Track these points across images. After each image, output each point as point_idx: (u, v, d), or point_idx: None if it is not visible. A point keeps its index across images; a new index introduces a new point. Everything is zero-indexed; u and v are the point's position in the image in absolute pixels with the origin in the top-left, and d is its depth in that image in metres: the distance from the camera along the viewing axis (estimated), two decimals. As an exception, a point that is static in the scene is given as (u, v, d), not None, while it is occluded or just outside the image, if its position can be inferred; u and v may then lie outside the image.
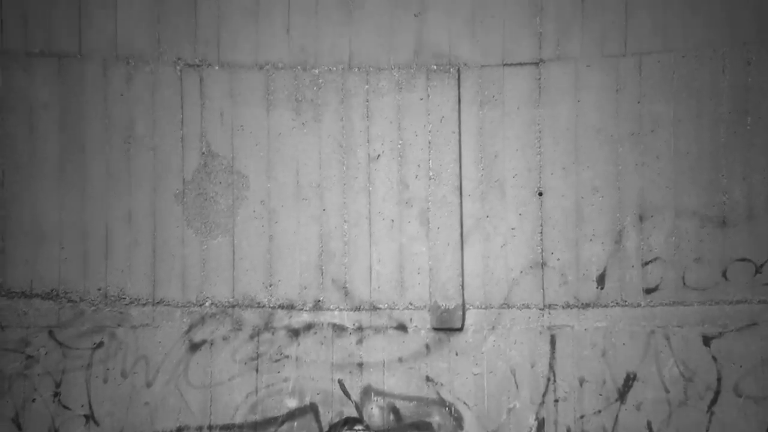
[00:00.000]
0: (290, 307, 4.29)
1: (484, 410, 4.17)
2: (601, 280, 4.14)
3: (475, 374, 4.19)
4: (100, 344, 4.19)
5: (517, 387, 4.16)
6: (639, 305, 4.09)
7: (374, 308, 4.28)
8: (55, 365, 4.15)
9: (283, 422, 4.23)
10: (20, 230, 4.18)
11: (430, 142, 4.31)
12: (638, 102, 4.12)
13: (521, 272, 4.22)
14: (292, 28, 4.34)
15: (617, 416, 4.06)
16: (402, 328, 4.27)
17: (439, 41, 4.31)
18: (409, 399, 4.22)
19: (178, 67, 4.31)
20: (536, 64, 4.23)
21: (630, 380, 4.06)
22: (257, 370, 4.24)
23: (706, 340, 4.00)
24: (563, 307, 4.16)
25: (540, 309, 4.18)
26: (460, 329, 4.23)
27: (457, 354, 4.21)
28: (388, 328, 4.26)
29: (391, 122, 4.33)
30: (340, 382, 4.25)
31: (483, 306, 4.23)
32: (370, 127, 4.34)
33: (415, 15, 4.32)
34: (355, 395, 4.24)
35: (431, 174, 4.31)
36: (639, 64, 4.11)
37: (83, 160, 4.24)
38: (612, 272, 4.13)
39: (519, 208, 4.24)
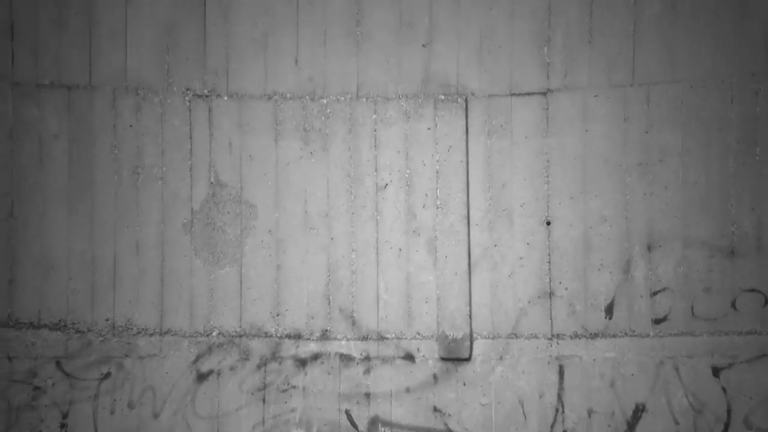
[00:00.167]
0: (297, 336, 4.25)
1: (492, 441, 4.13)
2: (609, 310, 4.10)
3: (483, 405, 4.14)
4: (108, 375, 4.16)
5: (525, 418, 4.11)
6: (648, 335, 4.04)
7: (382, 338, 4.24)
8: (62, 396, 4.12)
9: (290, 453, 4.19)
10: (29, 261, 4.16)
11: (437, 172, 4.29)
12: (646, 132, 4.09)
13: (529, 302, 4.18)
14: (300, 59, 4.33)
15: (627, 448, 4.01)
16: (409, 357, 4.22)
17: (447, 71, 4.30)
18: (417, 430, 4.17)
19: (187, 98, 4.30)
20: (544, 93, 4.21)
21: (639, 411, 4.01)
22: (264, 401, 4.20)
23: (716, 371, 3.94)
24: (571, 337, 4.12)
25: (548, 339, 4.13)
26: (468, 359, 4.18)
27: (464, 384, 4.17)
28: (395, 358, 4.22)
29: (399, 151, 4.31)
30: (347, 412, 4.20)
31: (491, 336, 4.19)
32: (378, 157, 4.32)
33: (422, 45, 4.31)
34: (363, 426, 4.19)
35: (439, 203, 4.28)
36: (647, 94, 4.09)
37: (92, 191, 4.23)
38: (620, 302, 4.09)
39: (527, 237, 4.21)
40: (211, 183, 4.31)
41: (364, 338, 4.24)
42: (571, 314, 4.13)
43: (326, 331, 4.26)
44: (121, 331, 4.20)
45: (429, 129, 4.30)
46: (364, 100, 4.33)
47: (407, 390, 4.19)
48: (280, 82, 4.34)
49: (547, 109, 4.21)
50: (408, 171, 4.31)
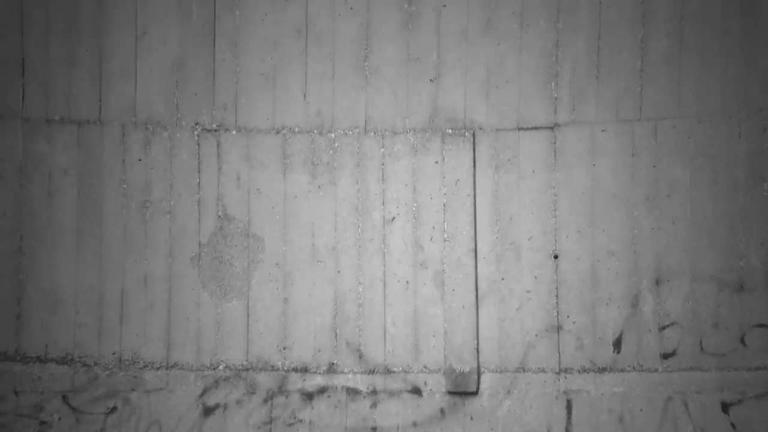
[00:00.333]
0: (304, 370, 4.22)
1: (500, 477, 4.08)
2: (617, 344, 4.06)
3: (490, 440, 4.11)
4: (114, 409, 4.13)
5: (533, 453, 4.07)
6: (656, 370, 4.00)
7: (388, 371, 4.20)
8: (69, 431, 4.09)
9: (296, 488, 4.15)
10: (37, 295, 4.15)
11: (445, 205, 4.27)
12: (654, 166, 4.07)
13: (537, 335, 4.15)
14: (308, 93, 4.34)
15: (635, 485, 3.96)
16: (416, 391, 4.19)
17: (455, 105, 4.29)
18: (424, 465, 4.13)
19: (195, 132, 4.31)
20: (551, 128, 4.20)
21: (648, 447, 3.97)
22: (271, 435, 4.17)
23: (725, 407, 3.90)
24: (579, 372, 4.08)
25: (556, 373, 4.10)
26: (475, 393, 4.14)
27: (472, 419, 4.13)
28: (402, 392, 4.19)
29: (407, 185, 4.30)
30: (354, 447, 4.17)
31: (498, 370, 4.16)
32: (386, 190, 4.31)
33: (430, 80, 4.31)
34: (370, 461, 4.16)
35: (446, 236, 4.26)
36: (654, 129, 4.08)
37: (100, 225, 4.23)
38: (628, 336, 4.05)
39: (534, 270, 4.19)
40: (219, 216, 4.30)
41: (371, 372, 4.21)
42: (579, 348, 4.09)
43: (333, 364, 4.23)
44: (128, 365, 4.17)
45: (436, 163, 4.29)
46: (372, 134, 4.33)
47: (414, 424, 4.16)
48: (288, 116, 4.34)
49: (554, 143, 4.20)
50: (415, 204, 4.30)
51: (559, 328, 4.13)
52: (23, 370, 4.11)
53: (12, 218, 4.17)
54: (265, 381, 4.21)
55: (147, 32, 4.28)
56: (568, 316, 4.13)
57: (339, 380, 4.22)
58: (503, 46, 4.25)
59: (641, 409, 3.99)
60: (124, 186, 4.27)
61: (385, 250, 4.29)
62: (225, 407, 4.18)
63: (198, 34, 4.30)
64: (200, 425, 4.16)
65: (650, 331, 4.03)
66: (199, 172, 4.30)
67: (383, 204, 4.31)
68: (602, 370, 4.06)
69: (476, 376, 4.14)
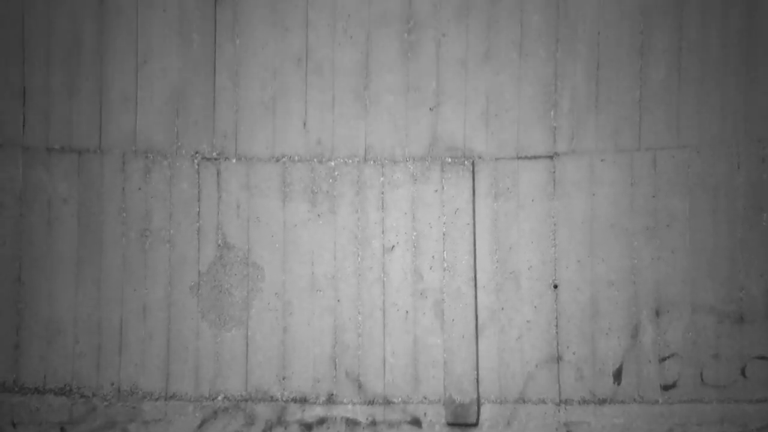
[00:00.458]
0: (303, 400, 4.20)
1: None
2: (617, 375, 4.04)
3: (490, 471, 4.08)
4: (112, 440, 4.11)
5: (533, 484, 4.05)
6: (657, 402, 3.98)
7: (388, 402, 4.18)
8: (66, 462, 4.07)
9: None
10: (35, 325, 4.13)
11: (444, 234, 4.27)
12: (653, 196, 4.07)
13: (536, 366, 4.13)
14: (308, 122, 4.34)
15: None
16: (416, 422, 4.16)
17: (454, 134, 4.30)
18: (424, 497, 4.10)
19: (195, 161, 4.31)
20: (550, 157, 4.20)
21: (649, 479, 3.95)
22: (270, 466, 4.14)
23: (726, 439, 3.88)
24: (579, 403, 4.06)
25: (556, 404, 4.08)
26: (476, 425, 4.12)
27: (472, 449, 4.11)
28: (402, 423, 4.16)
29: (406, 214, 4.30)
30: (353, 478, 4.14)
31: (498, 400, 4.13)
32: (385, 219, 4.31)
33: (430, 109, 4.31)
34: (369, 492, 4.12)
35: (446, 265, 4.25)
36: (653, 159, 4.08)
37: (100, 254, 4.22)
38: (629, 368, 4.04)
39: (534, 300, 4.18)
40: (219, 245, 4.29)
41: (371, 402, 4.19)
42: (579, 379, 4.08)
43: (332, 395, 4.20)
44: (127, 396, 4.15)
45: (436, 191, 4.29)
46: (372, 162, 4.33)
47: (414, 455, 4.14)
48: (288, 144, 4.34)
49: (553, 172, 4.20)
50: (415, 233, 4.29)
51: (559, 358, 4.12)
52: (21, 401, 4.08)
53: (11, 247, 4.15)
54: (264, 412, 4.18)
55: (147, 61, 4.28)
56: (568, 347, 4.11)
57: (338, 411, 4.19)
58: (502, 75, 4.26)
59: (642, 441, 3.99)
60: (124, 214, 4.26)
61: (385, 279, 4.28)
62: (223, 438, 4.16)
63: (198, 62, 4.31)
64: (198, 456, 4.13)
65: (650, 362, 4.02)
66: (198, 200, 4.29)
67: (383, 232, 4.31)
68: (602, 401, 4.04)
69: (476, 408, 4.12)
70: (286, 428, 4.18)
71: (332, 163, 4.34)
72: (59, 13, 4.24)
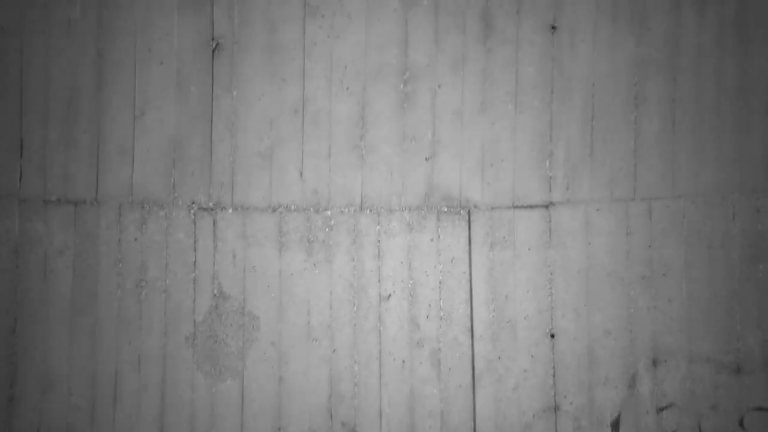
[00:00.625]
0: (300, 452, 4.15)
1: None
2: (615, 425, 4.01)
3: None
4: (106, 495, 4.05)
5: None
6: (655, 453, 3.95)
7: (385, 453, 4.14)
8: None
9: None
10: (30, 378, 4.09)
11: (440, 283, 4.25)
12: (649, 246, 4.07)
13: (534, 416, 4.09)
14: (305, 171, 4.34)
15: None
16: (413, 474, 4.12)
17: (450, 184, 4.29)
18: None
19: (192, 211, 4.29)
20: (546, 206, 4.20)
21: None
22: None
23: (725, 490, 3.84)
24: (577, 454, 4.03)
25: (554, 455, 4.05)
26: (473, 476, 4.08)
27: (469, 501, 4.06)
28: (399, 475, 4.12)
29: (402, 262, 4.28)
30: None
31: (496, 451, 4.10)
32: (381, 268, 4.29)
33: (426, 159, 4.31)
34: None
35: (442, 314, 4.23)
36: (649, 209, 4.08)
37: (95, 305, 4.19)
38: (626, 418, 4.00)
39: (531, 349, 4.15)
40: (215, 295, 4.27)
41: (367, 453, 4.15)
42: (577, 429, 4.04)
43: (329, 446, 4.17)
44: (121, 449, 4.11)
45: (432, 240, 4.28)
46: (368, 211, 4.32)
47: (411, 507, 4.08)
48: (284, 194, 4.33)
49: (549, 221, 4.19)
50: (411, 282, 4.27)
51: (556, 408, 4.08)
52: (14, 455, 4.04)
53: (6, 299, 4.12)
54: (259, 463, 4.14)
55: (145, 113, 4.29)
56: (565, 397, 4.08)
57: (334, 462, 4.15)
58: (498, 125, 4.27)
59: (640, 491, 3.94)
60: (120, 265, 4.23)
61: (381, 329, 4.25)
62: (218, 491, 4.10)
63: (195, 114, 4.32)
64: None
65: (648, 412, 3.98)
66: (195, 250, 4.27)
67: (379, 281, 4.28)
68: (600, 451, 4.02)
69: (473, 457, 4.09)
70: (281, 481, 4.13)
71: (328, 213, 4.33)
72: (57, 67, 4.25)
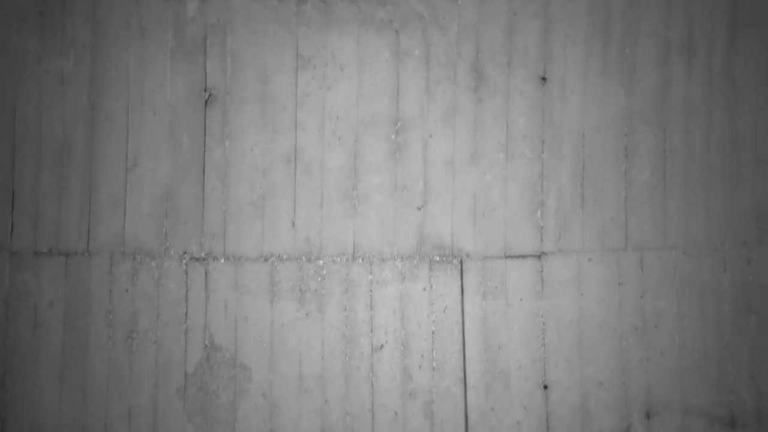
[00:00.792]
0: (291, 505, 4.09)
1: None
2: (609, 478, 3.96)
3: None
4: None
5: None
6: (649, 506, 3.90)
7: (377, 506, 4.08)
8: None
9: None
10: (18, 431, 4.03)
11: (433, 332, 4.22)
12: (641, 297, 4.05)
13: (527, 468, 4.05)
14: (297, 221, 4.32)
15: None
16: None
17: (442, 233, 4.28)
18: None
19: (184, 261, 4.26)
20: (538, 256, 4.18)
21: None
22: None
23: None
24: (571, 506, 3.97)
25: (547, 507, 3.99)
26: None
27: None
28: None
29: (395, 312, 4.25)
30: None
31: (489, 504, 4.04)
32: (374, 317, 4.26)
33: (417, 208, 4.30)
34: None
35: (435, 365, 4.19)
36: (640, 260, 4.06)
37: (85, 358, 4.14)
38: (620, 470, 3.96)
39: (524, 401, 4.11)
40: (206, 346, 4.22)
41: (359, 506, 4.08)
42: (571, 482, 3.99)
43: (320, 499, 4.10)
44: (110, 505, 4.04)
45: (424, 289, 4.25)
46: (360, 260, 4.30)
47: None
48: (277, 243, 4.31)
49: (541, 271, 4.17)
50: (404, 332, 4.24)
51: (549, 460, 4.04)
52: None
53: (-5, 352, 4.10)
54: None
55: (137, 163, 4.27)
56: (558, 448, 4.04)
57: None
58: (489, 175, 4.27)
59: None
60: (111, 316, 4.19)
61: (373, 379, 4.21)
62: None
63: (188, 164, 4.31)
64: None
65: (642, 464, 3.94)
66: (186, 301, 4.24)
67: (371, 331, 4.25)
68: (594, 503, 3.97)
69: None
70: None
71: (321, 262, 4.30)
72: (50, 119, 4.24)
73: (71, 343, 4.15)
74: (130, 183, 4.29)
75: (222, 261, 4.29)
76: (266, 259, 4.31)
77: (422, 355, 4.21)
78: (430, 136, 4.34)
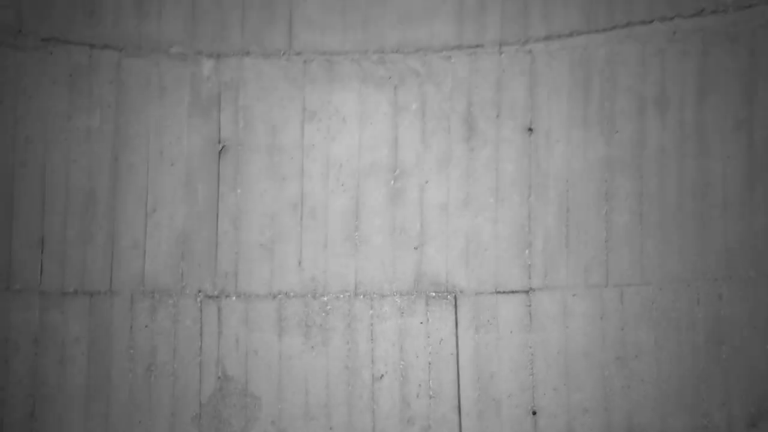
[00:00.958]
0: None
1: None
2: (594, 498, 4.13)
3: None
4: None
5: None
6: None
7: None
8: None
9: None
10: (47, 459, 4.24)
11: (430, 363, 4.41)
12: (622, 329, 4.22)
13: (518, 489, 4.22)
14: (303, 261, 4.53)
15: None
16: None
17: (437, 271, 4.48)
18: None
19: (198, 299, 4.48)
20: (526, 292, 4.37)
21: None
22: None
23: None
24: None
25: None
26: None
27: None
28: None
29: (394, 344, 4.44)
30: None
31: None
32: (374, 350, 4.45)
33: (414, 248, 4.51)
34: None
35: (431, 393, 4.38)
36: (621, 295, 4.24)
37: (108, 389, 4.34)
38: (605, 491, 4.13)
39: (514, 426, 4.28)
40: (219, 377, 4.43)
41: None
42: (559, 502, 4.16)
43: None
44: None
45: (421, 323, 4.45)
46: (362, 297, 4.50)
47: None
48: (284, 282, 4.52)
49: (529, 306, 4.36)
50: (402, 363, 4.43)
51: (539, 482, 4.21)
52: None
53: (26, 385, 4.27)
54: None
55: (156, 210, 4.51)
56: (547, 471, 4.21)
57: None
58: (480, 218, 4.48)
59: None
60: (131, 351, 4.40)
61: (374, 407, 4.39)
62: None
63: (203, 210, 4.54)
64: None
65: (625, 485, 4.11)
66: (201, 336, 4.45)
67: (372, 363, 4.44)
68: None
69: None
70: None
71: (325, 298, 4.51)
72: (77, 171, 4.48)
73: (95, 376, 4.35)
74: (149, 228, 4.52)
75: (234, 298, 4.51)
76: (275, 297, 4.52)
77: (420, 385, 4.40)
78: (426, 182, 4.56)
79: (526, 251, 4.40)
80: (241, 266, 4.52)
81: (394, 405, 4.38)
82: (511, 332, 4.35)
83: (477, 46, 4.52)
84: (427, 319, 4.43)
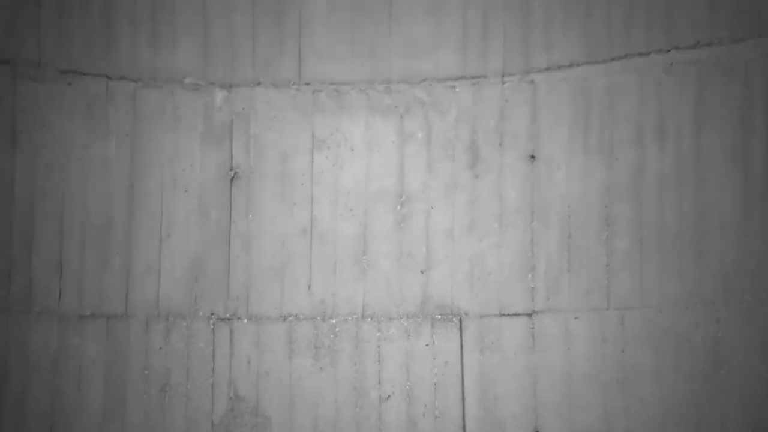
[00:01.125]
0: None
1: None
2: None
3: None
4: None
5: None
6: None
7: None
8: None
9: None
10: (63, 479, 4.28)
11: (435, 384, 4.45)
12: (622, 351, 4.25)
13: None
14: (312, 284, 4.60)
15: None
16: None
17: (443, 294, 4.53)
18: None
19: (211, 322, 4.54)
20: (529, 314, 4.41)
21: None
22: None
23: None
24: None
25: None
26: None
27: None
28: None
29: (401, 366, 4.49)
30: None
31: None
32: (381, 371, 4.49)
33: (420, 272, 4.57)
34: None
35: (437, 413, 4.42)
36: (621, 318, 4.28)
37: (123, 410, 4.38)
38: None
39: (518, 446, 4.33)
40: (231, 398, 4.48)
41: None
42: None
43: None
44: None
45: (427, 345, 4.49)
46: (369, 319, 4.56)
47: None
48: (294, 305, 4.58)
49: (532, 328, 4.40)
50: (408, 384, 4.47)
51: (542, 501, 4.23)
52: None
53: (44, 405, 4.32)
54: None
55: (170, 235, 4.58)
56: (550, 490, 4.24)
57: None
58: (485, 243, 4.54)
59: None
60: (146, 372, 4.46)
61: (382, 427, 4.44)
62: None
63: (215, 235, 4.61)
64: None
65: (626, 504, 4.13)
66: (213, 357, 4.51)
67: (379, 384, 4.48)
68: None
69: None
70: None
71: (333, 321, 4.57)
72: (94, 197, 4.55)
73: (111, 397, 4.40)
74: (164, 253, 4.59)
75: (245, 321, 4.57)
76: (285, 319, 4.58)
77: (426, 405, 4.44)
78: (432, 208, 4.63)
79: (529, 275, 4.45)
80: (253, 289, 4.58)
81: (401, 425, 4.41)
82: (514, 354, 4.39)
83: (480, 76, 4.60)
84: (433, 341, 4.48)
